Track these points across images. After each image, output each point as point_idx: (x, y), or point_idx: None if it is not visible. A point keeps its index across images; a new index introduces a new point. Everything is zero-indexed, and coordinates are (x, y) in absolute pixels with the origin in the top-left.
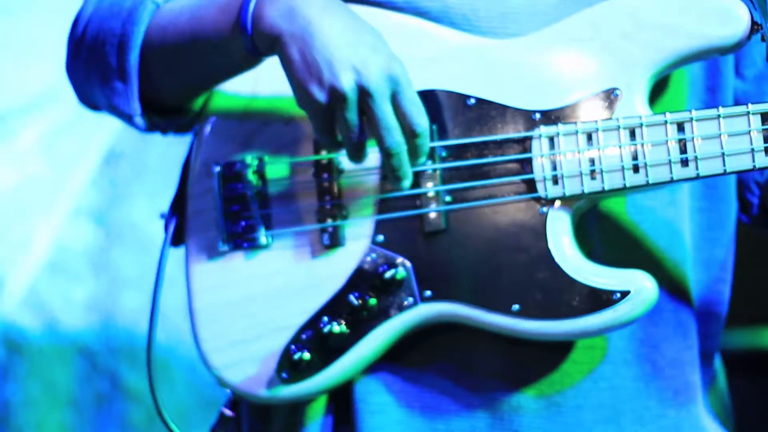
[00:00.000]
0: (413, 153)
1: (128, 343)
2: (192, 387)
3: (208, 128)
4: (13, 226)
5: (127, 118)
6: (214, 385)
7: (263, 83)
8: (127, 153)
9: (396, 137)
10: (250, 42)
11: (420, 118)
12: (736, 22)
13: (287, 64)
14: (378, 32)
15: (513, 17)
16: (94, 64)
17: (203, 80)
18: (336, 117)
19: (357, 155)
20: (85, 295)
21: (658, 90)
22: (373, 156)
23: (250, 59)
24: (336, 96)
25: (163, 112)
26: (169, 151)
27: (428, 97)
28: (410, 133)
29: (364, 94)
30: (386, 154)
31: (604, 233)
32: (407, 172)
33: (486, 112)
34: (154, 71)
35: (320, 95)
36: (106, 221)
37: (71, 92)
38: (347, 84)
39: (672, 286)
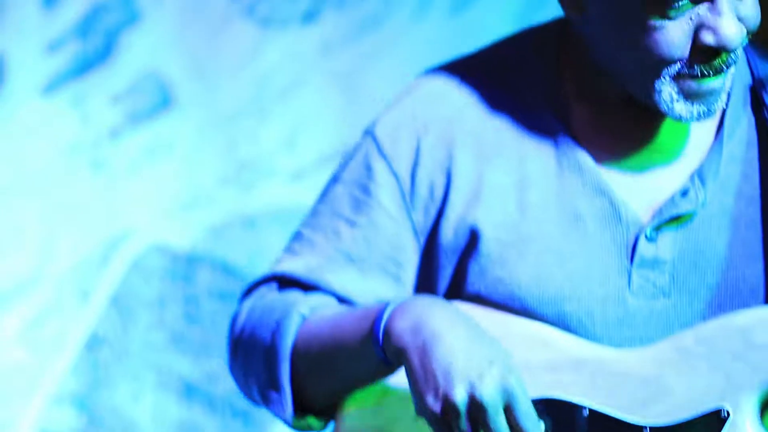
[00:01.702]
0: None
1: None
2: None
3: (344, 420)
4: None
5: (284, 421)
6: None
7: (396, 378)
8: (108, 338)
9: None
10: (382, 352)
11: None
12: None
13: (409, 374)
14: (498, 343)
15: (629, 321)
16: (251, 369)
17: (348, 384)
18: (452, 427)
19: None
20: None
21: None
22: None
23: (384, 367)
24: (449, 407)
25: (318, 411)
26: (149, 337)
27: (543, 405)
28: None
29: (476, 406)
30: None
31: None
32: None
33: (598, 424)
34: (303, 377)
35: (435, 405)
36: (88, 406)
37: (52, 277)
38: (459, 396)
39: None
